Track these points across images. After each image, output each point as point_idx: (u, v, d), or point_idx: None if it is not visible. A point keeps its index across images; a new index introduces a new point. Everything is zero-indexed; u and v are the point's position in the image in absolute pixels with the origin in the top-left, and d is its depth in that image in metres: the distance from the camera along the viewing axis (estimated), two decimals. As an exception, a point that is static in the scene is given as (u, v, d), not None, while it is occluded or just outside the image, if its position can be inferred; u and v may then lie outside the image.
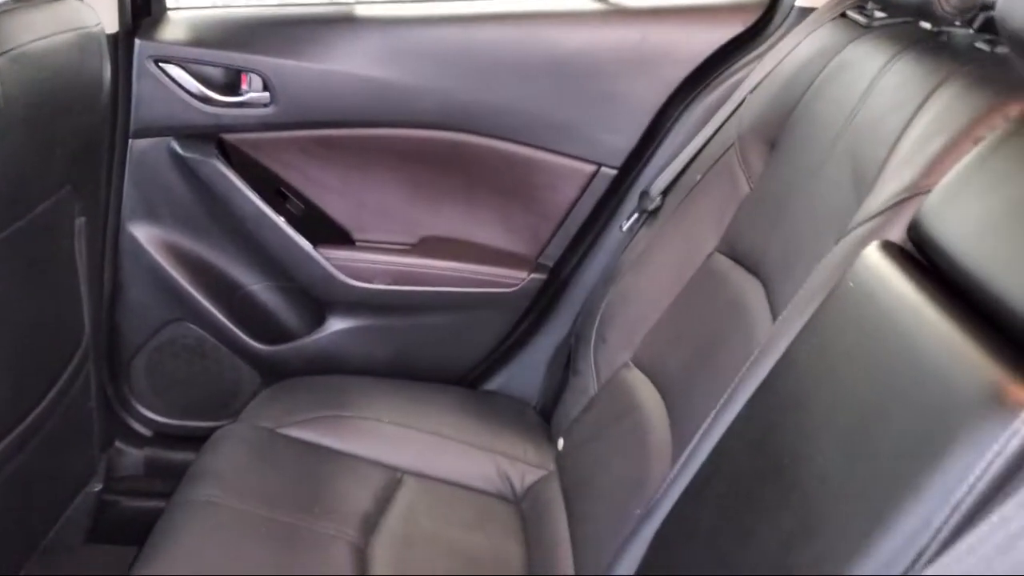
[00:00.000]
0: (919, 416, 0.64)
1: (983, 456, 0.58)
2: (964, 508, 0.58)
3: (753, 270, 1.14)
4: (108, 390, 1.65)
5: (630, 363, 1.33)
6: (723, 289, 1.19)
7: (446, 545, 1.30)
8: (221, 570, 1.13)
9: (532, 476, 1.46)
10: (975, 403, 0.60)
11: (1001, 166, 0.73)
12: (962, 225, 0.73)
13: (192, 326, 1.62)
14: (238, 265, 1.59)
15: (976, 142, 0.79)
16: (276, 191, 1.56)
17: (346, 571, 1.20)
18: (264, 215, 1.50)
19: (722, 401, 0.92)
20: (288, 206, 1.56)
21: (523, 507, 1.43)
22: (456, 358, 1.66)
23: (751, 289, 1.11)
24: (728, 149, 1.31)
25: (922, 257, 0.78)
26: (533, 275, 1.59)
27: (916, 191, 0.82)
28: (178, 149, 1.48)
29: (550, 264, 1.60)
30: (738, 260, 1.19)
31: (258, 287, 1.63)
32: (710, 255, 1.27)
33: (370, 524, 1.30)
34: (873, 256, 0.79)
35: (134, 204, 1.51)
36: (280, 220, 1.51)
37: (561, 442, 1.43)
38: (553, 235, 1.58)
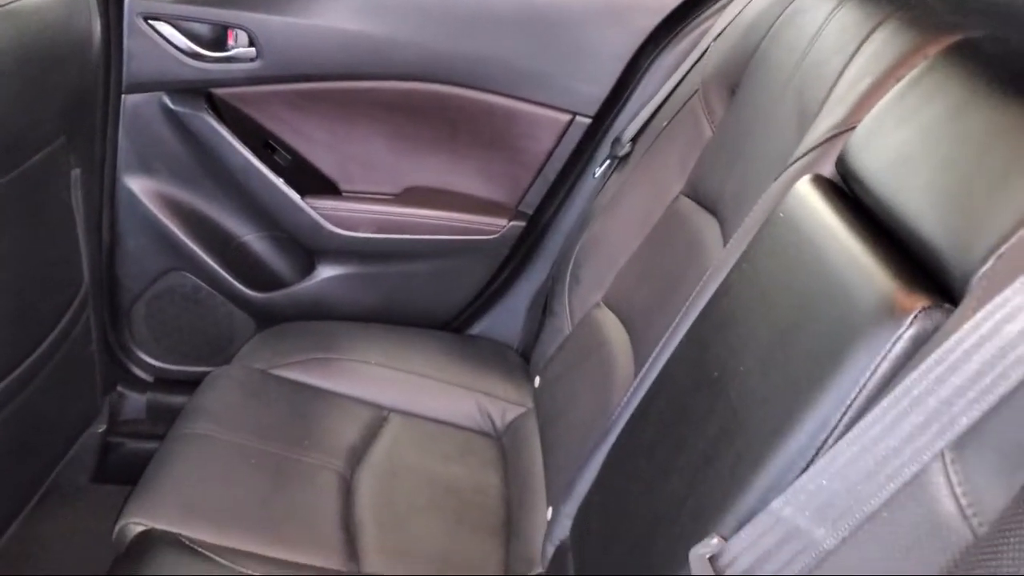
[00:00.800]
0: (826, 328, 0.70)
1: (874, 359, 0.64)
2: (856, 406, 0.65)
3: (711, 210, 1.19)
4: (110, 337, 1.72)
5: (601, 303, 1.40)
6: (685, 229, 1.25)
7: (428, 475, 1.38)
8: (216, 495, 1.21)
9: (512, 413, 1.54)
10: (871, 313, 0.66)
11: (914, 102, 0.79)
12: (879, 157, 0.79)
13: (188, 275, 1.68)
14: (231, 216, 1.66)
15: (899, 81, 0.84)
16: (264, 143, 1.61)
17: (333, 498, 1.28)
18: (253, 167, 1.56)
19: (670, 328, 0.99)
20: (276, 158, 1.62)
21: (503, 442, 1.51)
22: (440, 304, 1.73)
23: (708, 227, 1.17)
24: (693, 96, 1.36)
25: (847, 188, 0.84)
26: (513, 222, 1.65)
27: (844, 128, 0.88)
28: (169, 104, 1.54)
29: (529, 212, 1.66)
30: (699, 202, 1.25)
31: (250, 237, 1.70)
32: (675, 198, 1.33)
33: (356, 456, 1.38)
34: (803, 188, 0.85)
35: (129, 157, 1.57)
36: (268, 171, 1.57)
37: (538, 380, 1.51)
38: (532, 183, 1.63)
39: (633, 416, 0.96)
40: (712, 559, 0.67)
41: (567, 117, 1.57)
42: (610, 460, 0.98)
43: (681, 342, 0.93)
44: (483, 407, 1.54)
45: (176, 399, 1.74)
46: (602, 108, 1.55)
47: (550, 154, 1.60)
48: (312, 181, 1.64)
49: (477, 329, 1.76)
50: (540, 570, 1.16)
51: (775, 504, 0.64)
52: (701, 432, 0.78)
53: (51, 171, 1.27)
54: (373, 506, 1.28)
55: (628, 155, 1.49)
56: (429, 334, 1.68)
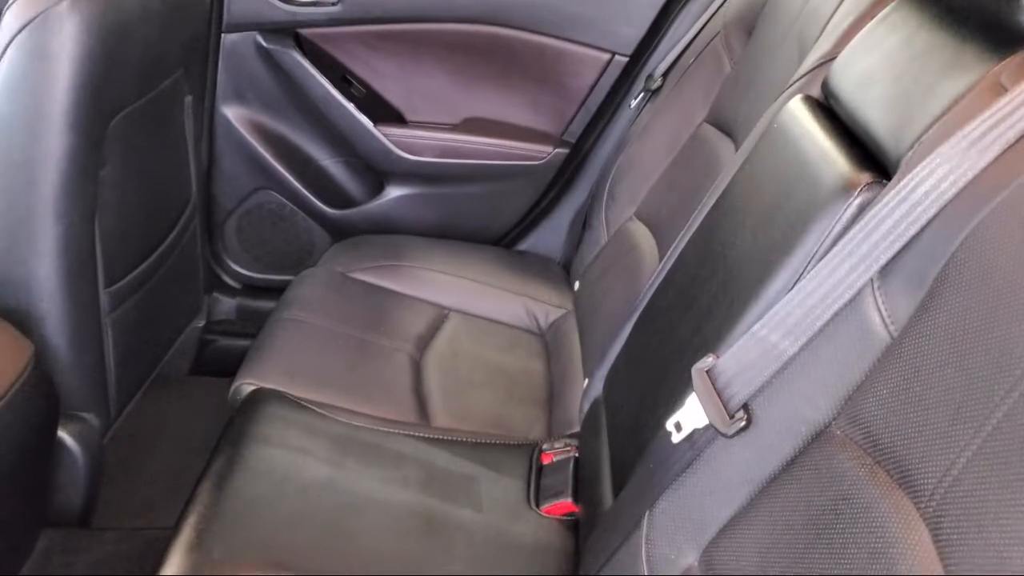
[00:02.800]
0: (800, 204, 0.93)
1: (831, 223, 0.87)
2: (817, 256, 0.88)
3: (728, 133, 1.41)
4: (205, 250, 1.98)
5: (633, 216, 1.63)
6: (705, 150, 1.47)
7: (483, 360, 1.63)
8: (310, 364, 1.47)
9: (554, 315, 1.78)
10: (830, 190, 0.88)
11: (880, 34, 1.00)
12: (850, 79, 1.01)
13: (274, 193, 1.94)
14: (312, 141, 1.90)
15: (873, 18, 1.05)
16: (342, 77, 1.85)
17: (406, 372, 1.53)
18: (332, 97, 1.80)
19: (687, 226, 1.22)
20: (352, 90, 1.86)
21: (546, 338, 1.75)
22: (492, 221, 1.96)
23: (725, 148, 1.39)
24: (715, 37, 1.57)
25: (828, 104, 1.05)
26: (557, 149, 1.88)
27: (829, 57, 1.09)
28: (262, 42, 1.78)
29: (572, 140, 1.88)
30: (719, 127, 1.47)
31: (328, 161, 1.94)
32: (699, 125, 1.54)
33: (423, 343, 1.63)
34: (794, 105, 1.07)
35: (226, 89, 1.81)
36: (345, 102, 1.80)
37: (577, 284, 1.74)
38: (575, 115, 1.85)
39: (654, 292, 1.19)
40: (709, 372, 0.91)
41: (607, 56, 1.79)
42: (635, 327, 1.21)
43: (694, 232, 1.16)
44: (529, 309, 1.79)
45: (261, 303, 2.01)
46: (638, 48, 1.77)
47: (591, 89, 1.82)
48: (382, 111, 1.88)
49: (524, 245, 2.00)
50: (577, 429, 1.41)
51: (755, 328, 0.88)
52: (705, 291, 1.01)
53: (173, 97, 1.52)
54: (438, 381, 1.54)
55: (659, 89, 1.71)
56: (482, 248, 1.93)
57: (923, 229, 0.77)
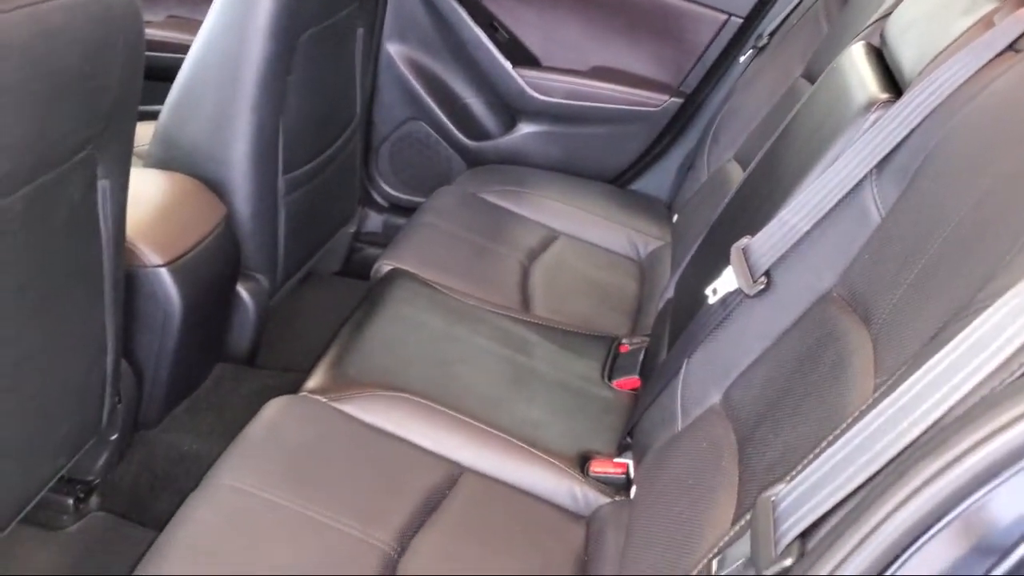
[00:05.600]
0: (835, 120, 1.13)
1: (856, 132, 1.07)
2: (837, 160, 1.08)
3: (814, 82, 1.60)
4: (362, 168, 2.31)
5: (731, 158, 1.83)
6: (796, 99, 1.66)
7: (583, 274, 1.88)
8: (438, 256, 1.76)
9: (653, 245, 2.00)
10: (857, 107, 1.09)
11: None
12: (897, 27, 1.20)
13: (423, 124, 2.24)
14: (458, 80, 2.19)
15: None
16: (489, 24, 2.13)
17: (516, 273, 1.80)
18: (480, 40, 2.08)
19: (763, 149, 1.43)
20: (497, 36, 2.13)
21: (643, 264, 1.98)
22: (609, 161, 2.20)
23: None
24: (816, 2, 1.75)
25: (880, 50, 1.25)
26: (673, 99, 2.10)
27: (888, 12, 1.28)
28: (424, -11, 2.08)
29: (687, 91, 2.10)
30: (810, 80, 1.66)
31: (471, 100, 2.23)
32: (795, 79, 1.73)
33: (533, 254, 1.89)
34: (854, 49, 1.27)
35: (391, 28, 2.12)
36: (491, 45, 2.08)
37: (676, 217, 1.96)
38: (692, 69, 2.07)
39: (723, 208, 1.42)
40: (744, 249, 1.13)
41: (724, 17, 2.00)
42: (705, 236, 1.44)
43: (762, 154, 1.37)
44: (631, 239, 2.02)
45: (403, 220, 2.32)
46: (752, 10, 1.97)
47: (708, 45, 2.03)
48: (521, 55, 2.15)
49: (636, 185, 2.23)
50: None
51: (782, 213, 1.09)
52: (757, 193, 1.23)
53: (348, 27, 1.83)
54: (542, 283, 1.80)
55: (765, 46, 1.90)
56: (596, 183, 2.17)
57: (912, 132, 0.97)
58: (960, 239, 0.79)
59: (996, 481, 0.50)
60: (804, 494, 0.64)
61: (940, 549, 0.52)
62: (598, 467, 1.31)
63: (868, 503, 0.55)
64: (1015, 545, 0.50)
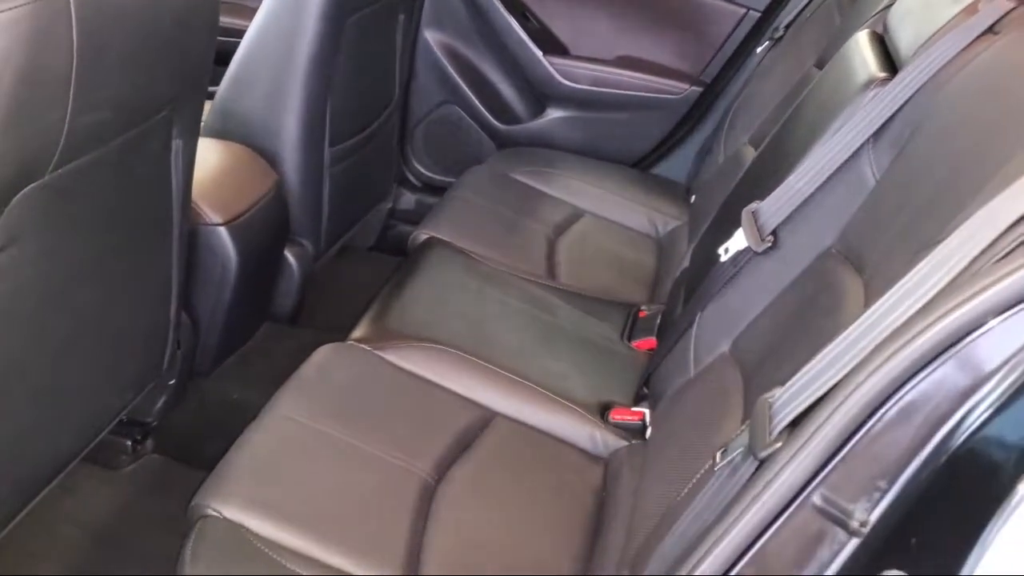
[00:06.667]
0: (839, 97, 1.25)
1: (856, 107, 1.19)
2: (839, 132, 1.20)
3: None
4: (398, 148, 2.43)
5: (747, 143, 1.95)
6: (808, 87, 1.77)
7: (605, 249, 2.00)
8: (469, 228, 1.88)
9: (672, 224, 2.12)
10: (859, 85, 1.21)
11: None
12: (897, 17, 1.31)
13: (456, 108, 2.37)
14: (491, 66, 2.32)
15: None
16: (521, 13, 2.26)
17: (542, 246, 1.92)
18: (513, 28, 2.21)
19: (774, 130, 1.54)
20: (528, 25, 2.26)
21: (662, 241, 2.10)
22: (632, 146, 2.33)
23: (820, 81, 1.70)
24: (830, -5, 1.88)
25: (883, 37, 1.36)
26: (693, 87, 2.22)
27: (891, 3, 1.40)
28: (461, -21, 2.21)
29: (707, 80, 2.22)
30: (822, 68, 1.77)
31: (503, 85, 2.35)
32: (808, 69, 1.85)
33: (559, 230, 2.01)
34: (860, 36, 1.38)
35: (429, 15, 2.25)
36: (523, 32, 2.21)
37: (693, 198, 2.08)
38: (712, 59, 2.19)
39: (736, 183, 1.54)
40: (754, 212, 1.25)
41: (743, 11, 2.12)
42: (719, 211, 1.56)
43: (775, 131, 1.49)
44: (651, 219, 2.14)
45: (437, 200, 2.44)
46: (769, 5, 2.09)
47: (727, 37, 2.15)
48: (551, 44, 2.27)
49: (657, 169, 2.35)
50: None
51: (789, 179, 1.21)
52: (767, 166, 1.35)
53: (391, 13, 1.97)
54: (566, 255, 1.92)
55: (781, 38, 2.02)
56: (619, 167, 2.30)
57: (904, 105, 1.09)
58: (938, 190, 0.91)
59: (938, 362, 0.62)
60: (795, 392, 0.76)
61: (894, 422, 0.64)
62: (617, 415, 1.43)
63: (840, 386, 0.67)
64: (956, 418, 0.62)
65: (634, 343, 1.62)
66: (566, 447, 1.39)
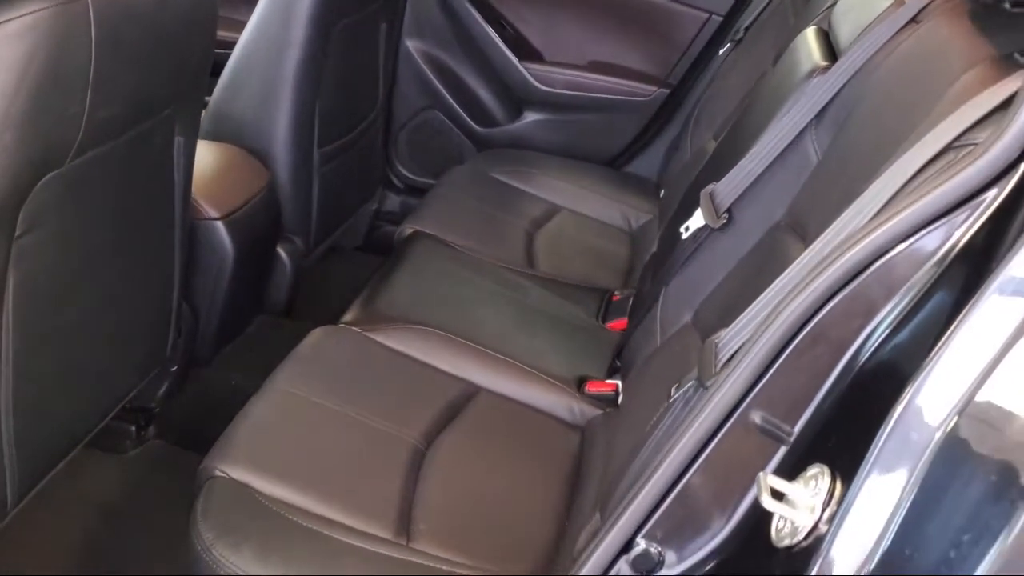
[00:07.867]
0: (786, 86, 1.37)
1: (800, 96, 1.31)
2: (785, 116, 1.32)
3: (781, 68, 1.84)
4: (382, 152, 2.54)
5: (711, 138, 2.07)
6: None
7: (581, 241, 2.11)
8: (455, 224, 1.98)
9: (643, 219, 2.24)
10: (803, 74, 1.33)
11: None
12: (841, 11, 1.44)
13: (438, 112, 2.48)
14: (470, 72, 2.43)
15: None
16: (498, 22, 2.38)
17: (520, 240, 2.03)
18: (490, 36, 2.33)
19: (731, 122, 1.66)
20: (505, 33, 2.38)
21: (634, 234, 2.22)
22: (605, 146, 2.45)
23: (776, 78, 1.82)
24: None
25: (827, 33, 1.49)
26: (661, 89, 2.35)
27: (835, 2, 1.52)
28: (441, -9, 2.33)
29: (674, 82, 2.35)
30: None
31: (482, 91, 2.47)
32: (766, 67, 1.97)
33: (537, 224, 2.13)
34: (808, 32, 1.51)
35: (409, 25, 2.37)
36: (499, 40, 2.33)
37: (663, 192, 2.20)
38: (677, 62, 2.32)
39: (697, 173, 1.66)
40: (711, 193, 1.36)
41: (705, 15, 2.25)
42: (684, 196, 1.68)
43: (732, 122, 1.61)
44: (624, 213, 2.26)
45: (419, 201, 2.55)
46: (730, 9, 2.22)
47: (692, 41, 2.28)
48: (526, 50, 2.39)
49: (629, 167, 2.47)
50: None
51: (741, 162, 1.33)
52: (723, 153, 1.47)
53: (373, 23, 2.08)
54: (544, 248, 2.03)
55: (741, 40, 2.15)
56: (594, 166, 2.41)
57: (841, 89, 1.21)
58: (868, 162, 1.03)
59: (841, 294, 0.73)
60: (736, 332, 0.87)
61: (809, 345, 0.75)
62: (592, 387, 1.54)
63: (768, 322, 0.78)
64: (860, 339, 0.74)
65: (608, 324, 1.73)
66: (546, 417, 1.49)
